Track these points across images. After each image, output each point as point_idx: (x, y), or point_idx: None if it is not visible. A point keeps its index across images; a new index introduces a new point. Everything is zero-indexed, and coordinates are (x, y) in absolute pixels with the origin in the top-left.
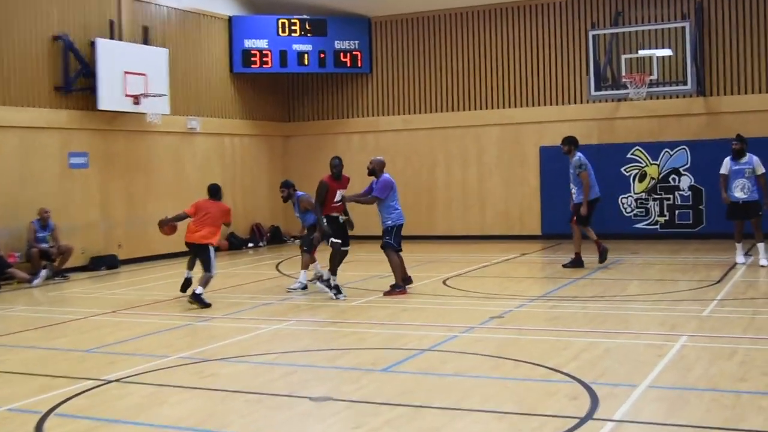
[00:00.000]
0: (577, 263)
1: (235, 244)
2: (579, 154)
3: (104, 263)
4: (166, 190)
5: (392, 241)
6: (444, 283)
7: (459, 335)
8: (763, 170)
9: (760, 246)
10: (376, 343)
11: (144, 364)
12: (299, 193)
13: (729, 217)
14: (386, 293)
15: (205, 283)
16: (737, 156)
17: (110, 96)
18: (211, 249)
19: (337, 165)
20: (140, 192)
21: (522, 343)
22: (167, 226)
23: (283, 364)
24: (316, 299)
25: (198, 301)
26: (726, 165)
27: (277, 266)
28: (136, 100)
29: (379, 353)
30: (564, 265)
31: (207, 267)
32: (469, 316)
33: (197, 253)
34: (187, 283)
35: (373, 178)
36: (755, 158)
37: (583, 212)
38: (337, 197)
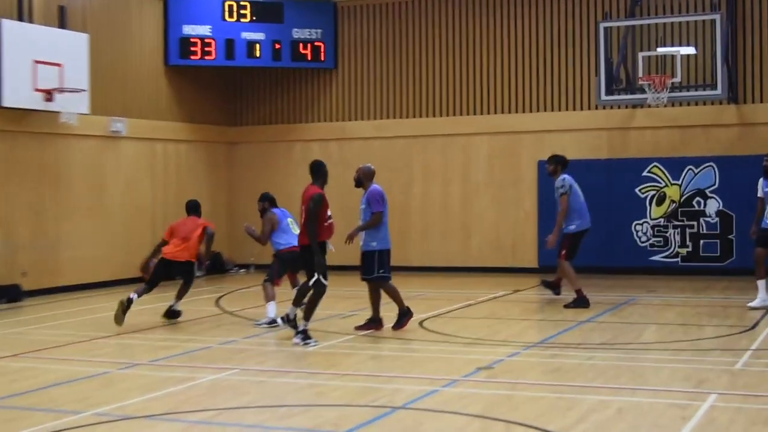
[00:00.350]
0: (580, 303)
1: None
2: (565, 175)
3: (4, 295)
4: (82, 207)
5: (387, 272)
6: (421, 325)
7: (439, 390)
8: None
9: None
10: (338, 399)
11: (51, 421)
12: (274, 210)
13: (757, 245)
14: (396, 327)
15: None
16: None
17: (16, 90)
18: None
19: (325, 168)
20: (50, 208)
21: (516, 400)
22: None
23: (224, 423)
24: (267, 342)
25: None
26: (760, 187)
27: (217, 301)
28: (49, 96)
29: (343, 411)
30: (566, 306)
31: (189, 285)
32: (452, 367)
33: (182, 272)
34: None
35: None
36: None
37: (551, 244)
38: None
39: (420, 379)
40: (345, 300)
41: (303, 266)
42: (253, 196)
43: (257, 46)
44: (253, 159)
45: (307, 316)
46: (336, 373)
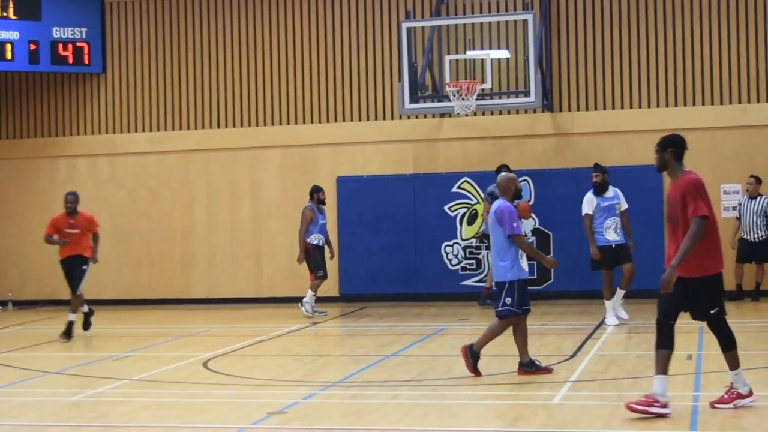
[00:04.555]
0: None
1: None
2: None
3: None
4: None
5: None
6: (204, 365)
7: None
8: (626, 206)
9: (619, 294)
10: None
11: None
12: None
13: (599, 267)
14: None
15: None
16: (600, 190)
17: None
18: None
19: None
20: None
21: None
22: None
23: None
24: (25, 392)
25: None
26: (591, 202)
27: None
28: None
29: None
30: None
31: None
32: (239, 413)
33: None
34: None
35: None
36: (619, 192)
37: None
38: None
39: (202, 428)
40: (118, 339)
41: None
42: (9, 222)
43: (10, 47)
44: (9, 178)
45: None
46: (104, 426)
